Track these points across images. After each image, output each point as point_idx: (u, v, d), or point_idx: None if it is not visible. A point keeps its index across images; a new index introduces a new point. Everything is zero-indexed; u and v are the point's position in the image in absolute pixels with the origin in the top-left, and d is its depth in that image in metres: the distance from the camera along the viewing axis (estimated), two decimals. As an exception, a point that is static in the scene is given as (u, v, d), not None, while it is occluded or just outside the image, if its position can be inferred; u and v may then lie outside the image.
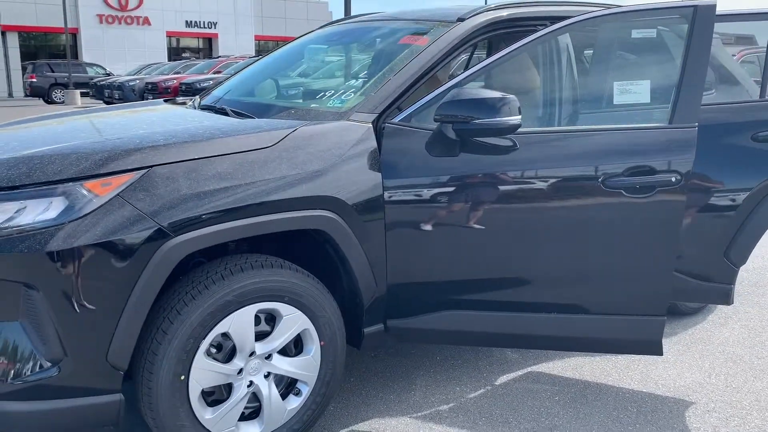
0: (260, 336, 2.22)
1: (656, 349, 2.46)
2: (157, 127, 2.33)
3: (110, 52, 33.78)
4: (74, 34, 33.39)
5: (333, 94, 2.63)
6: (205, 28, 37.44)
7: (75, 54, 33.25)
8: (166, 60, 32.22)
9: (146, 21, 34.89)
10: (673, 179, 2.29)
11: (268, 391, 2.25)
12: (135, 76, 21.98)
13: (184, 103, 3.23)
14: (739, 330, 3.50)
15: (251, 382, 2.22)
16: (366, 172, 2.31)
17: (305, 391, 2.34)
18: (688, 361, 3.14)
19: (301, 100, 2.75)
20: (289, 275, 2.21)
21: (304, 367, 2.31)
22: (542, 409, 2.69)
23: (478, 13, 2.73)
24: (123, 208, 1.92)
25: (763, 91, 2.80)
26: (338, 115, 2.43)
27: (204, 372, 2.09)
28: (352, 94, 2.56)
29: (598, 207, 2.34)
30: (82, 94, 23.81)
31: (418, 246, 2.40)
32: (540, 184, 2.36)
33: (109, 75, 26.31)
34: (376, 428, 2.54)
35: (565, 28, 2.44)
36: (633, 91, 2.57)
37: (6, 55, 32.24)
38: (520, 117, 2.26)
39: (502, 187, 2.36)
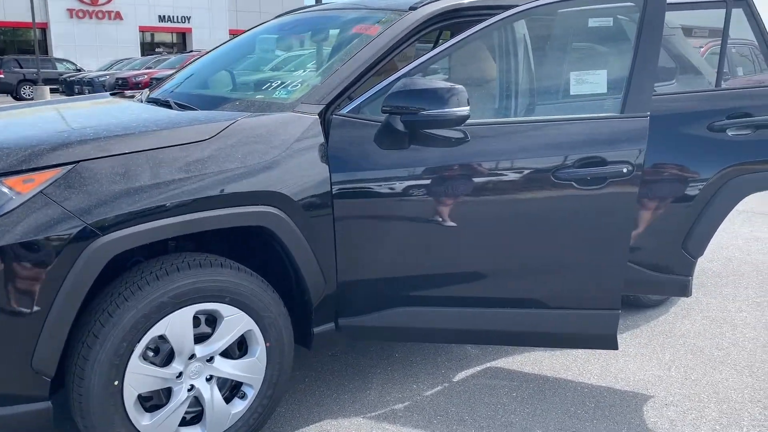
0: (201, 338, 2.13)
1: (611, 344, 2.41)
2: (92, 121, 2.23)
3: (81, 47, 33.21)
4: (44, 29, 32.78)
5: (280, 85, 2.54)
6: (178, 22, 36.95)
7: (45, 49, 32.65)
8: (139, 55, 31.72)
9: (118, 15, 34.36)
10: (625, 170, 2.24)
11: (210, 394, 2.16)
12: (105, 72, 21.60)
13: (132, 97, 3.12)
14: (700, 321, 3.48)
15: (192, 386, 2.13)
16: (312, 165, 2.22)
17: (251, 394, 2.26)
18: (649, 354, 3.11)
19: (247, 92, 2.65)
20: (230, 275, 2.12)
21: (249, 370, 2.22)
22: (499, 405, 2.64)
23: (430, 2, 2.66)
24: (47, 206, 1.82)
25: (718, 81, 2.76)
26: (284, 107, 2.35)
27: (139, 376, 2.00)
28: (299, 85, 2.48)
29: (549, 199, 2.28)
30: (52, 90, 23.32)
31: (368, 242, 2.33)
32: (490, 177, 2.29)
33: (79, 71, 25.82)
34: (327, 430, 2.46)
35: (516, 15, 2.38)
36: (589, 81, 2.52)
37: (-27, 51, 31.57)
38: (468, 108, 2.19)
39: (451, 181, 2.29)
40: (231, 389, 2.26)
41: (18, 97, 24.92)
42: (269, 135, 2.19)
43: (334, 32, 2.85)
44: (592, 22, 2.50)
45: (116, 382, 1.95)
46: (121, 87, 17.58)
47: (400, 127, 2.24)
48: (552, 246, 2.32)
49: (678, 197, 2.70)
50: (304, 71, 2.57)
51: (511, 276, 2.38)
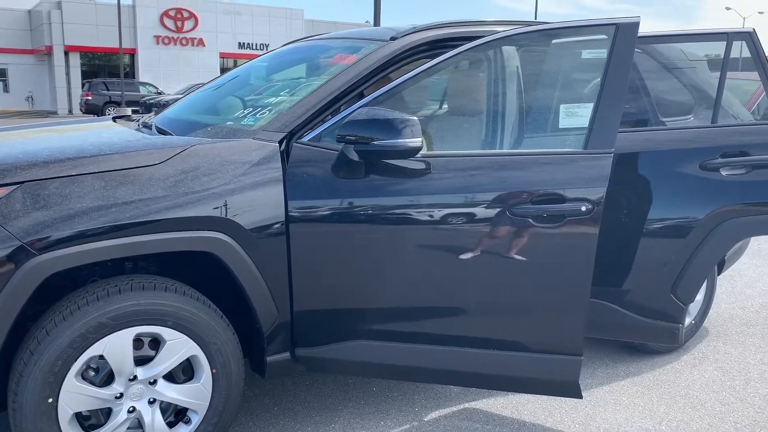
0: (143, 360, 2.14)
1: (574, 392, 2.26)
2: (55, 144, 2.30)
3: (166, 72, 34.94)
4: (132, 55, 34.72)
5: (251, 113, 2.56)
6: (257, 49, 38.31)
7: (133, 73, 34.55)
8: (218, 80, 32.94)
9: (201, 42, 35.96)
10: (583, 208, 2.12)
11: (152, 418, 2.17)
12: (182, 95, 22.60)
13: (135, 121, 3.22)
14: (711, 372, 3.24)
15: (133, 408, 2.14)
16: (267, 192, 2.22)
17: (195, 419, 2.25)
18: (643, 404, 2.91)
19: (222, 118, 2.69)
20: (174, 299, 2.13)
21: (193, 395, 2.22)
22: (463, 450, 2.52)
23: (411, 33, 2.64)
24: (-11, 225, 1.89)
25: (714, 117, 2.59)
26: (247, 133, 2.36)
27: (75, 395, 2.03)
28: (267, 113, 2.49)
29: (506, 236, 2.18)
30: (134, 112, 24.56)
31: (324, 272, 2.30)
32: (447, 211, 2.22)
33: (160, 93, 27.15)
34: (279, 462, 2.42)
35: (482, 47, 2.31)
36: (574, 114, 2.42)
37: (68, 74, 33.72)
38: (420, 140, 2.14)
39: (407, 213, 2.23)
40: (176, 414, 2.25)
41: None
42: (222, 161, 2.20)
43: (315, 62, 2.87)
44: (564, 55, 2.40)
45: (50, 400, 1.99)
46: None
47: (354, 156, 2.22)
48: (509, 285, 2.22)
49: (667, 239, 2.54)
50: (276, 99, 2.58)
51: (469, 314, 2.28)
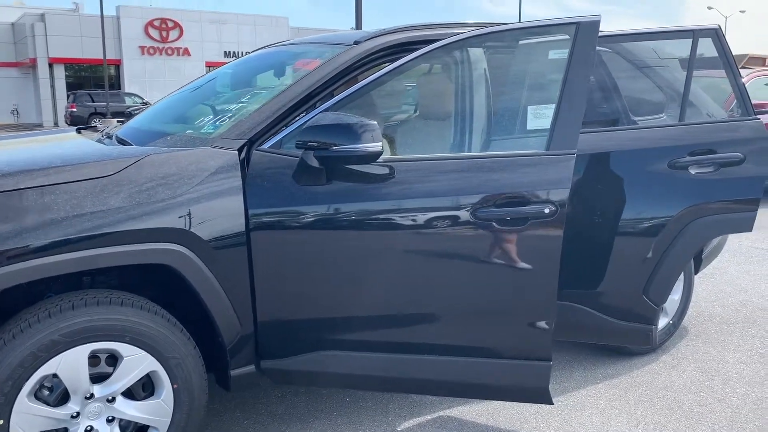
0: (101, 377, 2.08)
1: (544, 398, 2.22)
2: (4, 157, 2.25)
3: (151, 81, 34.81)
4: (117, 66, 34.58)
5: (211, 120, 2.51)
6: (243, 57, 38.28)
7: (119, 84, 34.40)
8: (204, 89, 32.83)
9: (186, 52, 35.87)
10: (547, 210, 2.08)
11: (110, 436, 2.11)
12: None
13: (100, 132, 3.16)
14: (690, 372, 3.20)
15: (91, 427, 2.08)
16: (225, 202, 2.17)
17: (156, 437, 2.19)
18: (620, 407, 2.87)
19: (184, 127, 2.64)
20: (131, 313, 2.07)
21: (154, 412, 2.16)
22: (435, 459, 2.47)
23: (375, 37, 2.60)
24: (-67, 242, 1.83)
25: (682, 115, 2.56)
26: (206, 141, 2.31)
27: (28, 416, 1.96)
28: (227, 120, 2.44)
29: (470, 240, 2.14)
30: (119, 122, 24.43)
31: (288, 281, 2.25)
32: (411, 216, 2.18)
33: (146, 104, 27.04)
34: (246, 477, 2.36)
35: (440, 50, 2.27)
36: (543, 115, 2.38)
37: (53, 86, 33.55)
38: (380, 144, 2.10)
39: (370, 220, 2.19)
40: (138, 431, 2.19)
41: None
42: (178, 171, 2.15)
43: (279, 68, 2.82)
44: (530, 56, 2.37)
45: (1, 421, 1.92)
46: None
47: (314, 163, 2.17)
48: (475, 290, 2.18)
49: (637, 239, 2.50)
50: (237, 106, 2.54)
51: (436, 321, 2.24)
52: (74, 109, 26.23)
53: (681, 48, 3.35)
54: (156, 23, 34.81)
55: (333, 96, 2.55)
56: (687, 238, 2.48)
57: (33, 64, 33.54)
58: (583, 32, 2.14)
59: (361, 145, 2.09)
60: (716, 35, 2.60)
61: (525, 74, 2.45)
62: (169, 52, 35.51)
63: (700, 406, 2.88)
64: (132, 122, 3.01)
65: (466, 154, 2.21)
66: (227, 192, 2.17)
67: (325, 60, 2.53)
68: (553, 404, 2.25)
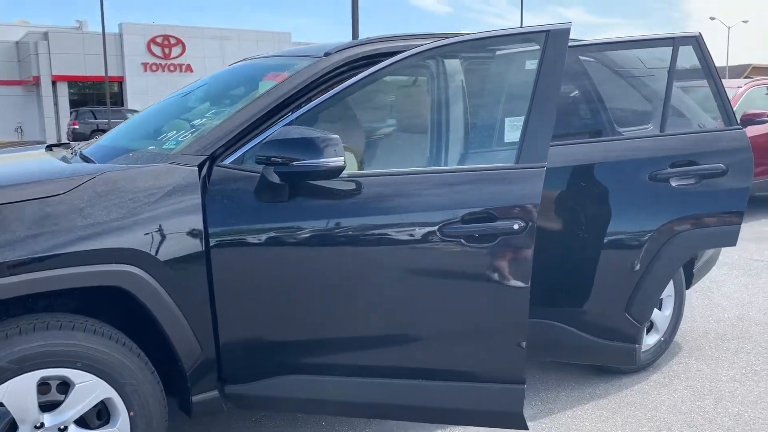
0: (52, 406, 1.99)
1: (518, 423, 2.11)
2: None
3: (154, 98, 34.92)
4: (120, 82, 34.77)
5: (174, 135, 2.44)
6: (246, 73, 38.37)
7: (122, 101, 34.55)
8: (207, 105, 32.95)
9: (188, 68, 36.03)
10: (516, 226, 1.98)
11: (62, 468, 2.01)
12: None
13: (71, 149, 3.09)
14: (681, 392, 3.09)
15: (41, 458, 1.98)
16: (183, 220, 2.08)
17: (112, 467, 2.09)
18: (606, 429, 2.75)
19: (148, 143, 2.56)
20: (83, 338, 1.98)
21: (109, 441, 2.06)
22: (409, 487, 2.36)
23: (346, 48, 2.52)
24: None
25: (663, 125, 2.47)
26: (165, 158, 2.23)
27: (-28, 448, 1.87)
28: (189, 135, 2.36)
29: (438, 258, 2.05)
30: (96, 139, 24.45)
31: (251, 303, 2.15)
32: (377, 234, 2.09)
33: (147, 120, 27.07)
34: (210, 508, 2.26)
35: (408, 60, 2.19)
36: (517, 127, 2.30)
37: (56, 104, 33.73)
38: (342, 159, 2.01)
39: (335, 238, 2.10)
40: (93, 461, 2.09)
41: (90, 146, 26.24)
42: (134, 189, 2.07)
43: (248, 81, 2.75)
44: (501, 66, 2.28)
45: (-56, 454, 1.83)
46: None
47: (275, 179, 2.09)
48: (443, 310, 2.08)
49: (619, 255, 2.40)
50: (202, 121, 2.46)
51: (403, 342, 2.14)
52: (77, 126, 26.28)
53: (668, 57, 3.27)
54: (158, 40, 35.02)
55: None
56: (669, 253, 2.38)
57: (36, 82, 33.74)
58: (553, 41, 2.06)
59: (322, 160, 2.01)
60: (697, 43, 2.51)
61: (501, 85, 2.37)
62: (172, 68, 35.68)
63: (690, 427, 2.76)
64: (101, 139, 2.94)
65: (433, 168, 2.13)
66: (185, 210, 2.09)
67: (293, 72, 2.45)
68: (528, 429, 2.15)
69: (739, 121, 7.40)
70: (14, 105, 35.92)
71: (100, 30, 29.70)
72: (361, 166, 2.31)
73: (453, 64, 2.36)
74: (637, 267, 2.37)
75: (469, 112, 2.33)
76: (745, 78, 9.12)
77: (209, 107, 2.64)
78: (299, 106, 2.42)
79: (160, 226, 2.04)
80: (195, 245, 2.09)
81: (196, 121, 2.49)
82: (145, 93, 34.91)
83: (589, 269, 2.41)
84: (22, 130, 35.76)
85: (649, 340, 3.25)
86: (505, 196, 2.01)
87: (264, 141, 2.07)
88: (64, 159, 2.60)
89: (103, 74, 32.19)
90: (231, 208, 2.13)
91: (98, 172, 2.09)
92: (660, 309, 3.26)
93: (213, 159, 2.21)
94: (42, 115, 34.08)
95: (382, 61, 2.50)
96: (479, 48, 2.27)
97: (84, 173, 2.08)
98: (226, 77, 2.98)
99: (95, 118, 27.19)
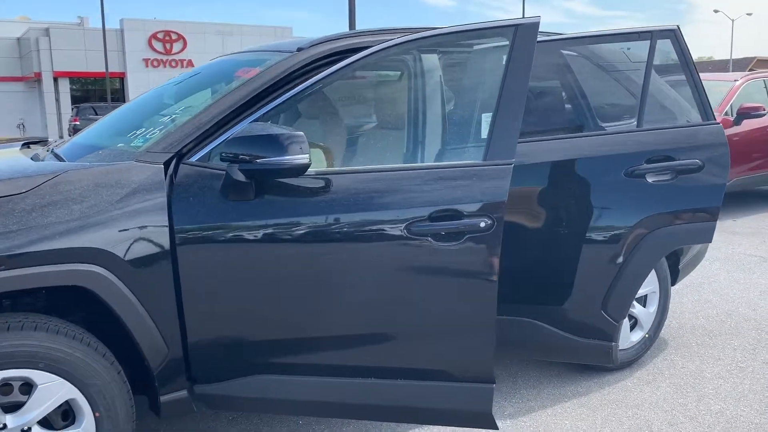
0: (14, 407, 1.97)
1: (488, 422, 2.09)
2: None
3: (155, 94, 34.87)
4: (122, 78, 34.75)
5: (143, 132, 2.41)
6: (247, 68, 38.28)
7: (123, 97, 34.53)
8: (208, 100, 32.89)
9: (190, 63, 35.91)
10: (482, 224, 1.95)
11: (25, 469, 1.99)
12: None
13: (47, 146, 3.06)
14: (664, 389, 3.05)
15: (4, 459, 1.97)
16: (147, 218, 2.06)
17: (78, 468, 2.07)
18: (585, 427, 2.72)
19: (117, 140, 2.53)
20: (45, 338, 1.96)
21: (74, 442, 2.04)
22: (382, 487, 2.34)
23: (318, 44, 2.49)
24: None
25: (639, 121, 2.43)
26: (132, 155, 2.20)
27: (-68, 450, 1.85)
28: (157, 132, 2.33)
29: (405, 257, 2.02)
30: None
31: (219, 302, 2.13)
32: (344, 232, 2.06)
33: (148, 116, 27.08)
34: None
35: (374, 56, 2.15)
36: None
37: (57, 100, 33.73)
38: (307, 156, 1.98)
39: (301, 237, 2.07)
40: (58, 463, 2.07)
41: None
42: (97, 187, 2.04)
43: (222, 77, 2.71)
44: (467, 62, 2.24)
45: None
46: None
47: (240, 177, 2.05)
48: (411, 308, 2.05)
49: (595, 252, 2.37)
50: (170, 118, 2.43)
51: (372, 342, 2.11)
52: (77, 123, 26.26)
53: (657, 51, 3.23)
54: (160, 35, 34.95)
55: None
56: (645, 250, 2.34)
57: (38, 78, 33.73)
58: (522, 35, 2.02)
59: (287, 158, 1.98)
60: (675, 36, 2.47)
61: (475, 80, 2.33)
62: (173, 64, 35.62)
63: (670, 425, 2.73)
64: (77, 136, 2.91)
65: (402, 165, 2.10)
66: (150, 208, 2.06)
67: (265, 68, 2.42)
68: (498, 429, 2.12)
69: (735, 114, 7.31)
70: (16, 101, 35.94)
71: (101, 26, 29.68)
72: (330, 164, 2.27)
73: (425, 59, 2.32)
74: (613, 265, 2.33)
75: (441, 108, 2.30)
76: (749, 71, 9.05)
77: (180, 104, 2.61)
78: (270, 102, 2.38)
79: (124, 224, 2.02)
80: (160, 244, 2.06)
81: (166, 119, 2.46)
82: (147, 88, 34.79)
83: (564, 267, 2.38)
84: (24, 127, 35.78)
85: (634, 337, 3.22)
86: (471, 194, 1.97)
87: (228, 138, 2.04)
88: (35, 157, 2.57)
89: (103, 70, 32.22)
90: (197, 206, 2.10)
91: (61, 170, 2.06)
92: (645, 306, 3.23)
93: (180, 156, 2.18)
94: (44, 112, 34.10)
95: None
96: (449, 43, 2.23)
97: (47, 172, 2.05)
98: (200, 74, 2.94)
99: (96, 114, 27.16)
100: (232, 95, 2.31)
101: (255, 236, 2.09)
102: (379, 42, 2.50)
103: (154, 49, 34.85)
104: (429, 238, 1.99)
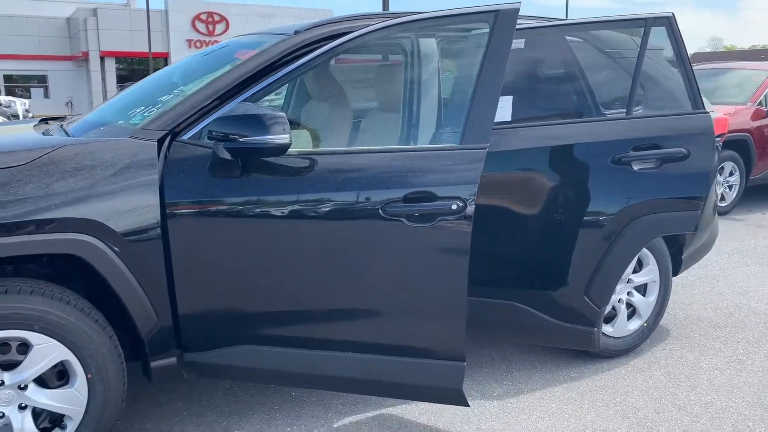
0: (11, 365, 2.10)
1: (459, 399, 2.14)
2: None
3: (198, 74, 35.39)
4: (165, 58, 35.37)
5: (142, 110, 2.51)
6: (288, 50, 38.55)
7: (167, 77, 35.13)
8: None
9: (232, 45, 36.35)
10: (454, 207, 1.99)
11: (21, 424, 2.13)
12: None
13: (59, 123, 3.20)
14: (657, 378, 3.06)
15: (2, 414, 2.11)
16: (140, 193, 2.16)
17: (70, 426, 2.20)
18: (571, 412, 2.75)
19: (120, 118, 2.64)
20: (41, 302, 2.08)
21: (67, 401, 2.17)
22: (361, 459, 2.42)
23: (315, 27, 2.55)
24: None
25: (629, 108, 2.42)
26: (128, 132, 2.31)
27: (-65, 402, 2.00)
28: (155, 110, 2.43)
29: (381, 236, 2.08)
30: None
31: (208, 274, 2.23)
32: (323, 210, 2.13)
33: (190, 96, 27.52)
34: (167, 469, 2.36)
35: (357, 40, 2.20)
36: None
37: (104, 79, 34.58)
38: (288, 136, 2.05)
39: (284, 214, 2.15)
40: (53, 420, 2.21)
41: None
42: (92, 162, 2.15)
43: (223, 58, 2.79)
44: (451, 48, 2.27)
45: None
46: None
47: (226, 155, 2.14)
48: (386, 287, 2.11)
49: (579, 238, 2.38)
50: (168, 96, 2.52)
51: (350, 317, 2.19)
52: (121, 101, 26.89)
53: (659, 38, 3.19)
54: (203, 17, 35.43)
55: (273, 87, 2.51)
56: (628, 237, 2.35)
57: (86, 58, 34.61)
58: (502, 21, 2.04)
59: (269, 137, 2.05)
60: (669, 24, 2.44)
61: (453, 65, 2.36)
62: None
63: (657, 413, 2.74)
64: (89, 114, 3.03)
65: (380, 147, 2.14)
66: (143, 183, 2.16)
67: (261, 50, 2.49)
68: (469, 406, 2.17)
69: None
70: (65, 79, 36.97)
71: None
72: (316, 144, 2.34)
73: (405, 44, 2.36)
74: (596, 251, 2.34)
75: (420, 92, 2.34)
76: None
77: (181, 84, 2.71)
78: (257, 84, 2.45)
79: (116, 197, 2.12)
80: (152, 218, 2.16)
81: (164, 97, 2.56)
82: (190, 69, 35.45)
83: (548, 252, 2.40)
84: (72, 104, 36.80)
85: (631, 326, 3.22)
86: (445, 177, 2.02)
87: (215, 117, 2.13)
88: (46, 132, 2.70)
89: (147, 50, 32.85)
90: (187, 182, 2.19)
91: (59, 144, 2.18)
92: (644, 295, 3.22)
93: (174, 134, 2.28)
94: (90, 90, 34.99)
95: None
96: (429, 28, 2.26)
97: (46, 146, 2.17)
98: (211, 54, 3.03)
99: (140, 94, 27.78)
100: (227, 76, 2.39)
101: (240, 212, 2.18)
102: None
103: (198, 30, 35.36)
104: (403, 219, 2.04)
